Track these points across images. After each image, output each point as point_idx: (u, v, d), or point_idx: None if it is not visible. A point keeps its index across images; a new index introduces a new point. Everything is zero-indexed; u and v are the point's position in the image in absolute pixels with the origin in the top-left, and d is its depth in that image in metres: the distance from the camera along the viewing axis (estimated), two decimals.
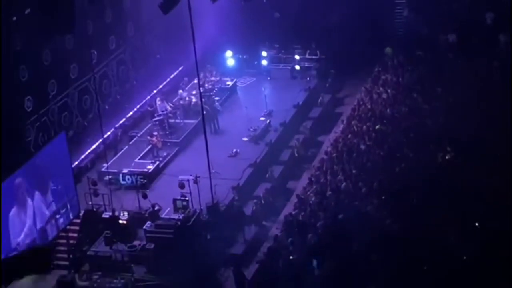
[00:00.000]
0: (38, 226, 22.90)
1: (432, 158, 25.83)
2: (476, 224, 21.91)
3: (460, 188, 23.41)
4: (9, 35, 24.90)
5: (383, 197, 23.47)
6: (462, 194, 23.07)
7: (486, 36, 34.10)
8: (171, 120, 31.27)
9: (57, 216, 23.79)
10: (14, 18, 25.13)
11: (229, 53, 36.32)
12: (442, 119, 27.85)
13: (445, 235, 21.46)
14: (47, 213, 23.31)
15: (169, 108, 31.48)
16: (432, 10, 36.24)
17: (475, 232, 21.68)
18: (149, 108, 32.37)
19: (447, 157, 25.63)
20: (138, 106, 32.71)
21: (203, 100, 27.85)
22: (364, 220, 22.62)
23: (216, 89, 33.65)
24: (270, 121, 31.49)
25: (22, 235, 21.98)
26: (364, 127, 28.36)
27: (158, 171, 28.65)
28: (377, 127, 27.99)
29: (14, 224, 21.86)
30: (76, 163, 28.49)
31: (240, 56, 36.50)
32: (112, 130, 30.97)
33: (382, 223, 22.37)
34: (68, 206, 24.34)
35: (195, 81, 31.19)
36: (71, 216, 24.56)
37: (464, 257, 20.91)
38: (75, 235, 25.47)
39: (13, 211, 21.88)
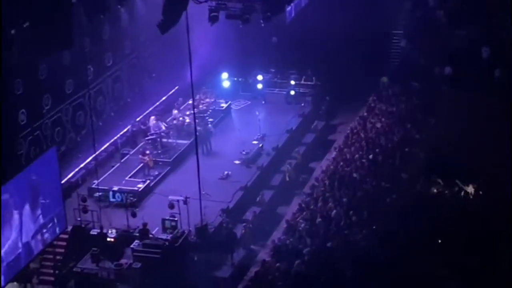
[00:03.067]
0: (24, 240, 22.75)
1: (423, 189, 25.88)
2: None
3: (450, 220, 23.45)
4: (6, 48, 24.87)
5: (374, 227, 23.44)
6: (452, 225, 23.11)
7: (481, 70, 34.28)
8: (164, 140, 31.25)
9: (44, 231, 23.66)
10: (13, 31, 25.13)
11: (225, 75, 36.40)
12: (434, 151, 27.91)
13: (435, 267, 21.44)
14: (34, 227, 23.16)
15: (163, 128, 31.47)
16: (429, 42, 36.44)
17: (464, 265, 21.67)
18: (142, 127, 32.35)
19: (437, 189, 25.69)
20: (131, 124, 32.69)
21: (196, 121, 27.86)
22: (353, 249, 22.58)
23: (210, 110, 33.68)
24: (262, 145, 31.49)
25: (6, 248, 21.78)
26: (357, 155, 28.40)
27: (148, 190, 28.58)
28: (370, 156, 28.02)
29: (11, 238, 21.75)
30: (67, 178, 28.41)
31: (235, 78, 36.58)
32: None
33: (371, 253, 22.34)
34: (55, 220, 24.22)
35: (190, 101, 31.21)
36: (57, 231, 24.43)
37: None
38: (62, 250, 25.33)
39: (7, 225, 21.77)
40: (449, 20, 37.00)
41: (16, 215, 22.38)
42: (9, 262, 22.08)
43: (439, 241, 22.73)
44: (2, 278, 21.89)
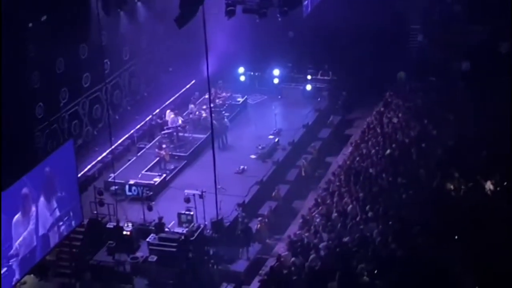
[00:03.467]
0: (41, 232, 22.86)
1: (440, 184, 25.75)
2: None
3: (467, 216, 23.34)
4: (24, 41, 25.01)
5: (390, 222, 23.36)
6: (469, 222, 22.98)
7: (499, 65, 34.04)
8: (180, 134, 31.30)
9: (60, 223, 23.76)
10: (30, 25, 25.25)
11: (241, 70, 36.41)
12: (451, 146, 27.77)
13: (451, 263, 21.35)
14: (50, 220, 23.27)
15: (179, 122, 31.52)
16: (446, 37, 36.24)
17: (480, 262, 21.55)
18: (158, 121, 32.41)
19: (454, 185, 25.55)
20: (148, 118, 32.77)
21: (212, 115, 27.88)
22: (369, 244, 22.53)
23: (226, 105, 33.69)
24: (278, 140, 31.49)
25: (21, 240, 21.92)
26: (373, 150, 28.29)
27: (164, 184, 28.64)
28: (386, 152, 27.90)
29: (18, 230, 21.83)
30: (84, 172, 28.53)
31: (252, 73, 36.59)
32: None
33: (387, 248, 22.27)
34: (71, 214, 24.31)
35: (206, 96, 31.25)
36: (73, 224, 24.53)
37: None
38: (78, 243, 25.45)
39: (17, 217, 21.85)
40: (467, 15, 36.78)
41: (33, 208, 22.50)
42: (25, 255, 22.19)
43: (456, 237, 22.61)
44: (18, 271, 22.00)
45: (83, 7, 26.76)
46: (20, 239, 21.93)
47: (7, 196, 21.21)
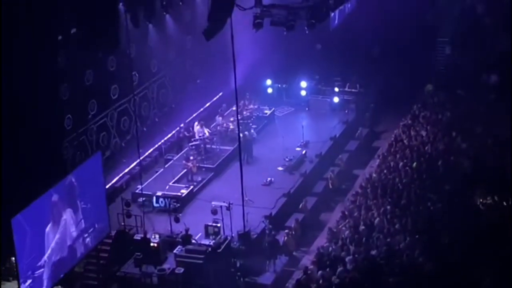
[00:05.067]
0: (68, 243, 22.99)
1: (468, 198, 25.56)
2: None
3: (495, 230, 23.14)
4: (53, 53, 25.23)
5: (417, 236, 23.21)
6: (497, 235, 22.79)
7: None
8: (208, 146, 31.38)
9: (85, 235, 23.86)
10: (60, 37, 25.49)
11: (268, 82, 36.48)
12: (480, 160, 27.57)
13: (479, 276, 21.17)
14: (76, 230, 23.39)
15: (206, 134, 31.61)
16: (474, 49, 36.04)
17: (508, 277, 21.35)
18: (186, 134, 32.53)
19: (482, 199, 25.36)
20: (175, 130, 32.90)
21: (240, 127, 27.93)
22: (397, 258, 22.40)
23: (254, 117, 33.74)
24: (306, 152, 31.45)
25: (49, 251, 22.07)
26: (401, 163, 28.16)
27: (191, 196, 28.70)
28: (413, 165, 27.76)
29: (49, 240, 22.01)
30: (111, 183, 28.68)
31: (279, 85, 36.64)
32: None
33: (415, 261, 22.13)
34: (99, 225, 24.42)
35: (234, 108, 31.31)
36: (101, 236, 24.63)
37: None
38: (106, 255, 25.55)
39: (49, 227, 22.04)
40: (495, 27, 36.56)
41: (63, 218, 22.64)
42: (53, 266, 22.30)
43: (484, 251, 22.40)
44: (46, 282, 22.11)
45: (112, 19, 26.93)
46: (49, 250, 22.08)
47: (36, 207, 21.38)
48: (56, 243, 22.35)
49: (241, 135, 28.89)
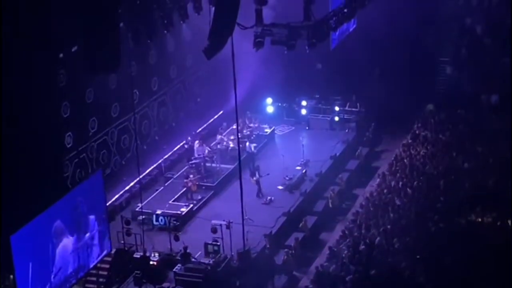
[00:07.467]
0: (69, 261, 22.92)
1: (469, 218, 25.53)
2: None
3: (496, 250, 23.09)
4: (54, 71, 25.29)
5: (418, 256, 23.16)
6: (498, 256, 22.73)
7: None
8: (208, 164, 31.36)
9: (87, 252, 23.79)
10: (61, 55, 25.56)
11: (269, 101, 36.52)
12: (480, 180, 27.55)
13: None
14: (78, 249, 23.33)
15: (206, 152, 31.60)
16: (475, 70, 36.09)
17: None
18: (185, 146, 32.53)
19: (484, 218, 25.33)
20: (175, 148, 32.88)
21: (240, 146, 27.92)
22: (397, 277, 22.33)
23: (254, 135, 33.76)
24: (306, 171, 31.43)
25: (54, 270, 22.02)
26: (401, 182, 28.15)
27: (191, 214, 28.66)
28: (414, 184, 27.74)
29: (50, 258, 21.97)
30: (111, 201, 28.63)
31: (280, 104, 36.68)
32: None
33: (416, 281, 22.06)
34: (99, 243, 24.35)
35: (234, 126, 31.31)
36: (101, 254, 24.57)
37: None
38: (105, 273, 25.46)
39: (51, 245, 22.00)
40: (496, 48, 36.63)
41: (64, 238, 22.60)
42: (55, 281, 22.23)
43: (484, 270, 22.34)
44: None
45: (113, 38, 26.98)
46: (52, 268, 22.03)
47: (35, 226, 21.32)
48: (57, 261, 22.29)
49: (247, 144, 28.73)
